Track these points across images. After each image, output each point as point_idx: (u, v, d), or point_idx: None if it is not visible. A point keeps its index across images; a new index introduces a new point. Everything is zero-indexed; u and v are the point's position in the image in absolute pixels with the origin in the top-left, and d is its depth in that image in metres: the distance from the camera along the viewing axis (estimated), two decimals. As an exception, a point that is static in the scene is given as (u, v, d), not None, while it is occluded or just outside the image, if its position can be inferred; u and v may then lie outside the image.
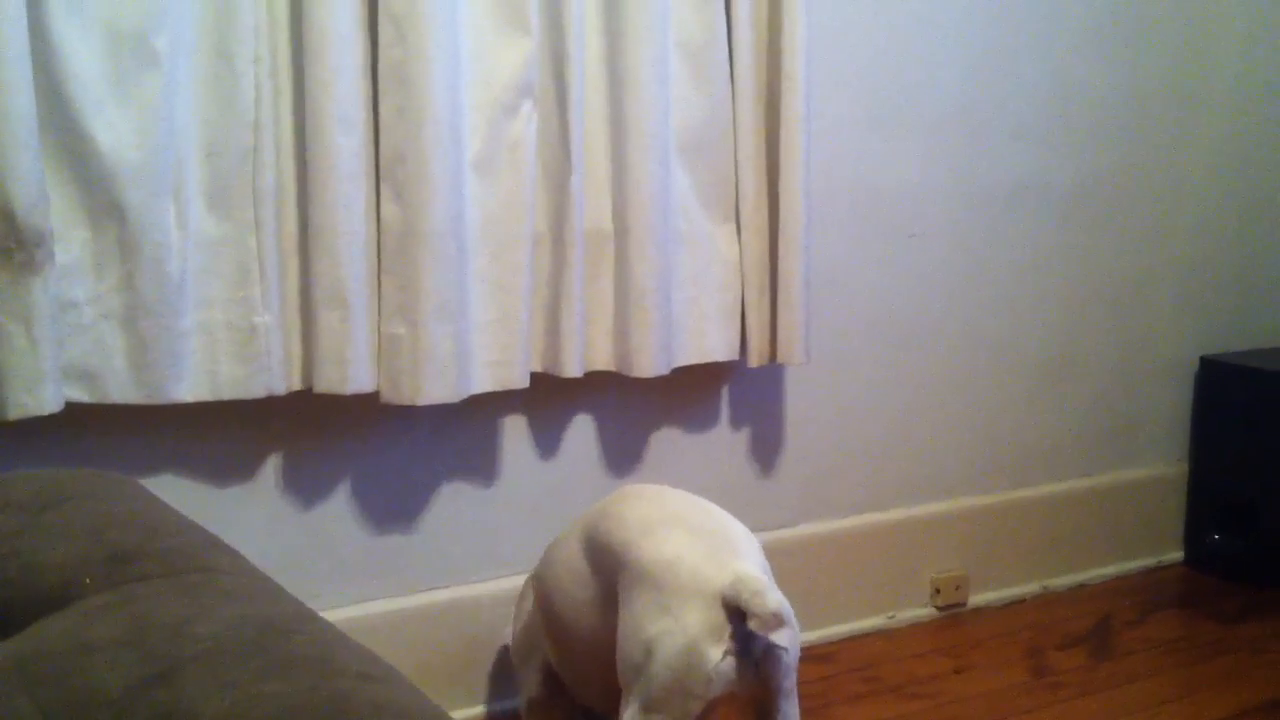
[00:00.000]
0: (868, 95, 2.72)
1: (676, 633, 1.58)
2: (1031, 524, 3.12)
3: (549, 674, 2.04)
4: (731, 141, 2.45)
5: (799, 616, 2.76)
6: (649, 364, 2.36)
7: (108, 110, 1.91)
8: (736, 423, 2.70)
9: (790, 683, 1.66)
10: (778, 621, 1.55)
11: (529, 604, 2.07)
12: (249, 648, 0.99)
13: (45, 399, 1.86)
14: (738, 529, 1.73)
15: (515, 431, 2.45)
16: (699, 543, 1.66)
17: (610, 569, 1.72)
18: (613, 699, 1.74)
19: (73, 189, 1.92)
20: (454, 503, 2.39)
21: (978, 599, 3.05)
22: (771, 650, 1.60)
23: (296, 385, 2.14)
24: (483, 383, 2.26)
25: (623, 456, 2.57)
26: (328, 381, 2.11)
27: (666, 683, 1.57)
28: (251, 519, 2.20)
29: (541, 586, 1.96)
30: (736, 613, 1.57)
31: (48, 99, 1.87)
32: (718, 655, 1.57)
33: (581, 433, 2.52)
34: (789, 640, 1.61)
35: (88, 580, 1.16)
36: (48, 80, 1.86)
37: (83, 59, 1.88)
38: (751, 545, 1.71)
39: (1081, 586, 3.20)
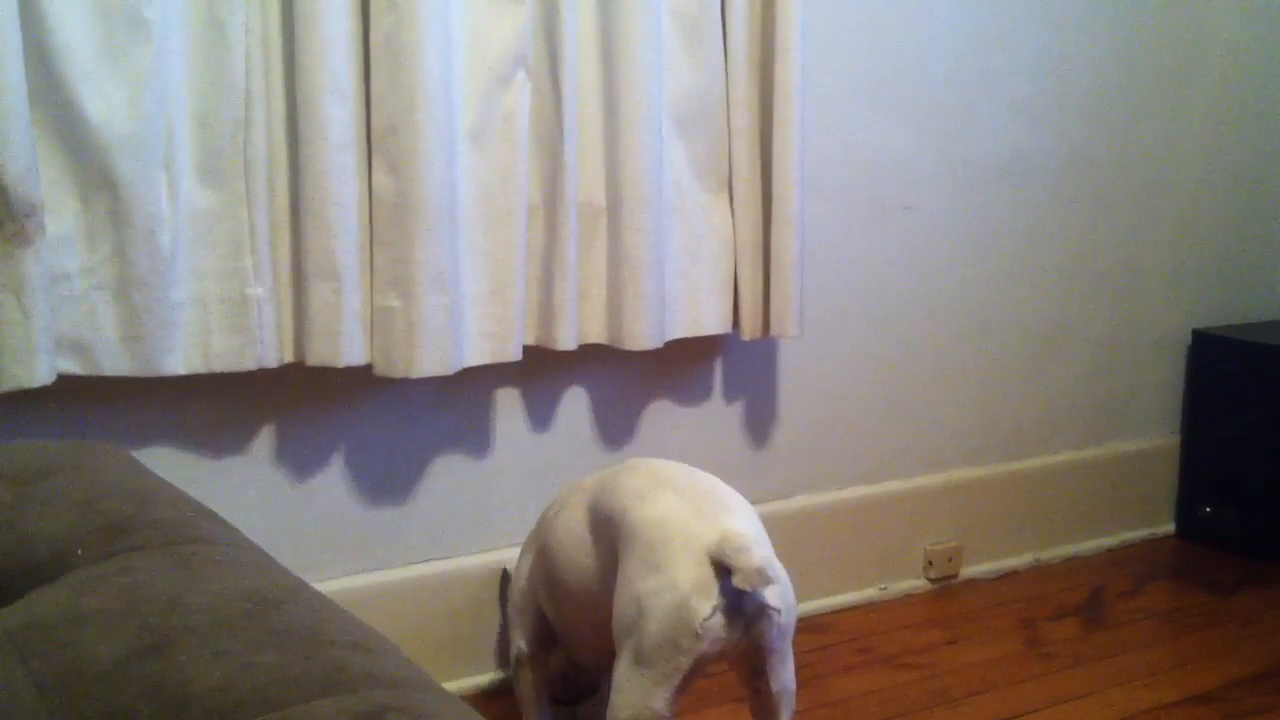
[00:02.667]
0: (861, 68, 2.71)
1: (665, 589, 1.60)
2: (1024, 496, 3.13)
3: (540, 631, 2.06)
4: (725, 113, 2.44)
5: (793, 588, 2.76)
6: (642, 337, 2.36)
7: (98, 81, 1.89)
8: (730, 396, 2.70)
9: (783, 645, 1.68)
10: (761, 577, 1.56)
11: (526, 566, 2.08)
12: (242, 619, 0.99)
13: (37, 370, 1.86)
14: (730, 492, 1.75)
15: (508, 404, 2.44)
16: (689, 503, 1.68)
17: (610, 537, 1.74)
18: (610, 659, 1.76)
19: (64, 160, 1.91)
20: (447, 475, 2.39)
21: (970, 571, 3.06)
22: (763, 610, 1.61)
23: (289, 357, 2.14)
24: (476, 355, 2.26)
25: (616, 429, 2.57)
26: (320, 354, 2.10)
27: (656, 637, 1.59)
28: (244, 491, 2.20)
29: (544, 552, 1.97)
30: (723, 569, 1.58)
31: (38, 70, 1.85)
32: (706, 610, 1.58)
33: (575, 405, 2.52)
34: (778, 599, 1.62)
35: (80, 551, 1.16)
36: (38, 51, 1.85)
37: (73, 30, 1.87)
38: (743, 506, 1.72)
39: (1074, 558, 3.21)
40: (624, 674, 1.62)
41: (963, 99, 2.86)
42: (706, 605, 1.58)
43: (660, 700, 1.59)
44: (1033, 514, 3.15)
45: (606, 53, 2.29)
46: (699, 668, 1.61)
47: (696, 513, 1.65)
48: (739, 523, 1.65)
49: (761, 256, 2.51)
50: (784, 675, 1.70)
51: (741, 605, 1.60)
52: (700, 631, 1.58)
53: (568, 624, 1.95)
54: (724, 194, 2.48)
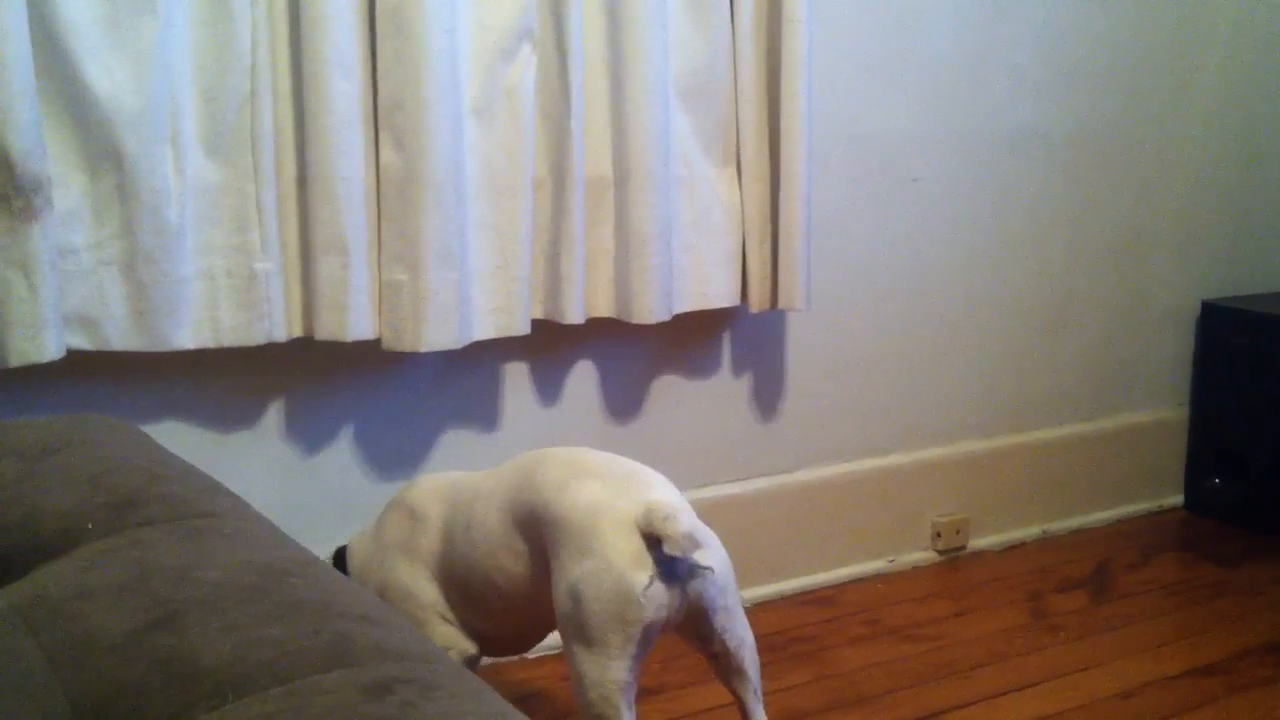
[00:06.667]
0: (868, 39, 2.70)
1: (600, 569, 1.62)
2: (1032, 468, 3.13)
3: (472, 630, 1.98)
4: (732, 85, 2.44)
5: (801, 561, 2.77)
6: (650, 310, 2.36)
7: (104, 56, 1.89)
8: (738, 369, 2.70)
9: (726, 601, 1.70)
10: (690, 542, 1.60)
11: (418, 575, 1.95)
12: (251, 592, 1.00)
13: (46, 346, 1.86)
14: (649, 471, 1.77)
15: (516, 378, 2.45)
16: (610, 485, 1.70)
17: (537, 534, 1.75)
18: (533, 643, 1.91)
19: (70, 135, 1.91)
20: (455, 449, 2.40)
21: (978, 543, 3.06)
22: (696, 570, 1.65)
23: (297, 332, 2.14)
24: (484, 329, 2.26)
25: (624, 403, 2.57)
26: (328, 329, 2.11)
27: (600, 617, 1.62)
28: (253, 465, 2.21)
29: (462, 569, 1.89)
30: (653, 539, 1.62)
31: (44, 45, 1.85)
32: (644, 580, 1.61)
33: (582, 379, 2.52)
34: (709, 559, 1.66)
35: (90, 526, 1.16)
36: (43, 26, 1.85)
37: (78, 4, 1.87)
38: (664, 482, 1.75)
39: (1081, 530, 3.22)
40: (579, 661, 1.65)
41: (969, 71, 2.85)
42: (643, 575, 1.61)
43: (619, 671, 1.63)
44: (1040, 486, 3.15)
45: (612, 25, 2.28)
46: (648, 638, 1.64)
47: (619, 492, 1.68)
48: (662, 494, 1.69)
49: (769, 229, 2.51)
50: (737, 630, 1.73)
51: (676, 571, 1.64)
52: (643, 601, 1.61)
53: (499, 628, 1.92)
54: (731, 166, 2.48)
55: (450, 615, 1.93)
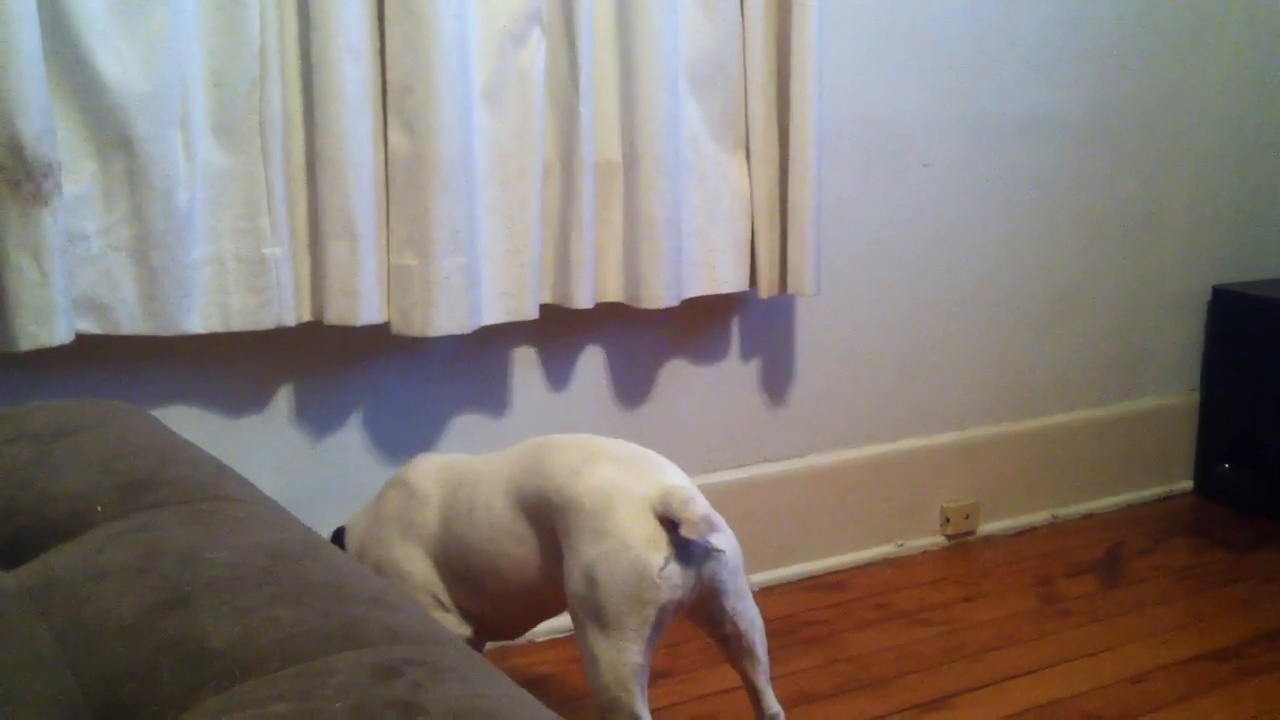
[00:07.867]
0: (878, 24, 2.69)
1: (617, 550, 1.63)
2: (1042, 453, 3.13)
3: (468, 612, 1.98)
4: (742, 70, 2.43)
5: (811, 546, 2.78)
6: (659, 295, 2.36)
7: (114, 41, 1.89)
8: (747, 354, 2.69)
9: (738, 583, 1.72)
10: (708, 525, 1.62)
11: (418, 558, 1.95)
12: (261, 574, 1.00)
13: (56, 330, 1.87)
14: (660, 456, 1.79)
15: (525, 363, 2.45)
16: (625, 469, 1.71)
17: (547, 519, 1.75)
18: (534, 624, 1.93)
19: (80, 121, 1.91)
20: (464, 433, 2.40)
21: (987, 528, 3.06)
22: (710, 553, 1.67)
23: (307, 316, 2.14)
24: (493, 314, 2.26)
25: (632, 388, 2.57)
26: (338, 313, 2.11)
27: (617, 598, 1.63)
28: (263, 449, 2.21)
29: (461, 555, 1.89)
30: (669, 522, 1.63)
31: (54, 31, 1.85)
32: (660, 561, 1.62)
33: (591, 364, 2.52)
34: (724, 543, 1.68)
35: (100, 509, 1.16)
36: (53, 12, 1.85)
37: (87, -11, 1.87)
38: (672, 466, 1.76)
39: (1091, 515, 3.21)
40: (594, 644, 1.65)
41: (980, 55, 2.84)
42: (659, 556, 1.62)
43: (635, 654, 1.64)
44: (1050, 471, 3.15)
45: (622, 9, 2.28)
46: (663, 619, 1.65)
47: (634, 476, 1.69)
48: (677, 479, 1.71)
49: (778, 214, 2.50)
50: (747, 610, 1.75)
51: (690, 553, 1.65)
52: (659, 582, 1.62)
53: (498, 612, 1.92)
54: (740, 152, 2.47)
55: (445, 598, 1.92)
